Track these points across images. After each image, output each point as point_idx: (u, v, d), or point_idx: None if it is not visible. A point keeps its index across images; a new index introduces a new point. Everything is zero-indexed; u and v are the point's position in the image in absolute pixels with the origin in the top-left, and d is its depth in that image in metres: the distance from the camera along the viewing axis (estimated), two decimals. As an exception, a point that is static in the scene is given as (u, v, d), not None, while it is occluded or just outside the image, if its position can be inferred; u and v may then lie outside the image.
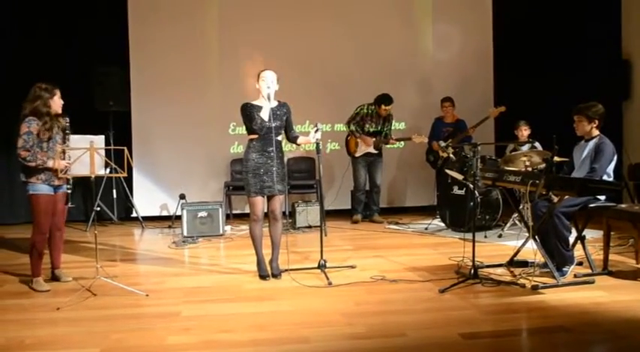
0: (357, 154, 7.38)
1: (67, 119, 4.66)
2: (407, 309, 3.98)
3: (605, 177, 4.57)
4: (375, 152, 7.39)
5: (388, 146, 7.76)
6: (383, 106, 7.24)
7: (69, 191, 4.69)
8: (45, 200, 4.49)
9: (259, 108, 4.69)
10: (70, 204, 4.77)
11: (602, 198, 4.68)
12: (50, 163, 4.43)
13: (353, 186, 7.56)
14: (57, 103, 4.53)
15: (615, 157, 4.67)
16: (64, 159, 4.50)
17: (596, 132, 4.74)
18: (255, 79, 4.82)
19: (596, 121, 4.71)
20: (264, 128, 4.66)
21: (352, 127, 7.36)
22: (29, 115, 4.42)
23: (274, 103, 4.77)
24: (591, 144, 4.71)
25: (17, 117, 4.49)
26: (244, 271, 5.03)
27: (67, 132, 4.61)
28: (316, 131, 4.75)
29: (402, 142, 7.79)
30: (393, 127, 7.56)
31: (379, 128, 7.35)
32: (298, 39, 8.05)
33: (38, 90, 4.48)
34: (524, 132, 6.78)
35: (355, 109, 7.40)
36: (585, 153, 4.72)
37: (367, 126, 7.32)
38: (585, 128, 4.74)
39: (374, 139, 7.31)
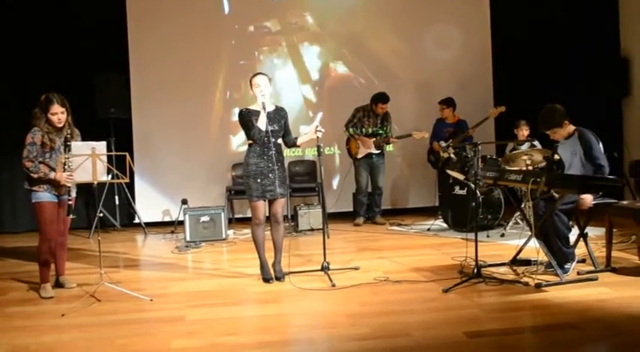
0: (359, 156, 7.40)
1: (69, 131, 4.50)
2: (411, 309, 3.98)
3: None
4: (377, 152, 7.39)
5: (390, 148, 7.74)
6: (380, 104, 7.27)
7: (70, 202, 4.47)
8: (49, 208, 4.50)
9: (257, 113, 4.67)
10: (72, 216, 4.58)
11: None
12: (53, 175, 4.40)
13: (355, 189, 7.57)
14: (51, 119, 4.44)
15: (600, 143, 4.65)
16: (64, 170, 4.37)
17: (571, 128, 4.72)
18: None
19: (566, 121, 4.68)
20: (262, 137, 4.65)
21: (350, 131, 7.39)
22: (33, 126, 4.45)
23: (271, 107, 4.76)
24: (572, 140, 4.69)
25: (18, 126, 4.47)
26: (247, 275, 5.04)
27: (69, 143, 4.41)
28: (316, 127, 4.73)
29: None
30: (393, 128, 7.57)
31: (377, 128, 7.36)
32: (296, 41, 8.08)
33: (39, 102, 4.48)
34: (524, 132, 6.79)
35: (352, 112, 7.43)
36: (570, 150, 4.68)
37: (365, 127, 7.35)
38: (562, 133, 4.72)
39: (373, 140, 7.32)
